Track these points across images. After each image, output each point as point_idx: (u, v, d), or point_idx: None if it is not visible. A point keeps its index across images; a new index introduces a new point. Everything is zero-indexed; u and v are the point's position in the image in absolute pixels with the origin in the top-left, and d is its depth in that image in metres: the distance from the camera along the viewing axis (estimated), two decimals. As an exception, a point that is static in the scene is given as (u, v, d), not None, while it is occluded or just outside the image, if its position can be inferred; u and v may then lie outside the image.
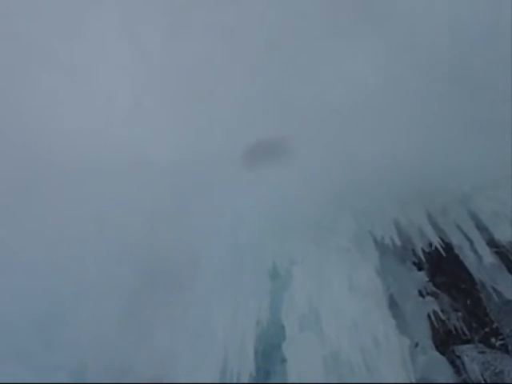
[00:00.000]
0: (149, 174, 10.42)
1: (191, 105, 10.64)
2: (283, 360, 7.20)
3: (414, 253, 8.81)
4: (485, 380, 7.38)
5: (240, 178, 10.58)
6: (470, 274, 8.51)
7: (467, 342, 7.92)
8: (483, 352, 7.74)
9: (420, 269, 8.73)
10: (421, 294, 8.43)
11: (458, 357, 7.71)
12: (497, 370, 7.45)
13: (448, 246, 8.72)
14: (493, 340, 7.95)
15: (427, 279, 8.60)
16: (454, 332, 8.00)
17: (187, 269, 9.03)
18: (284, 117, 9.98)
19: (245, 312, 7.62)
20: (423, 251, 8.75)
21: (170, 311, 8.59)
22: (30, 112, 11.12)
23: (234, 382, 7.08)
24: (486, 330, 8.03)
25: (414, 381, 7.19)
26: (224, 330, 7.44)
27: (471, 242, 8.59)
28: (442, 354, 7.81)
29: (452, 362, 7.69)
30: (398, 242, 8.70)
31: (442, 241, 8.72)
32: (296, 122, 9.87)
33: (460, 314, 8.18)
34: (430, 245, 8.76)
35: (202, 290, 8.32)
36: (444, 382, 7.48)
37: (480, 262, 8.45)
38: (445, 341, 7.94)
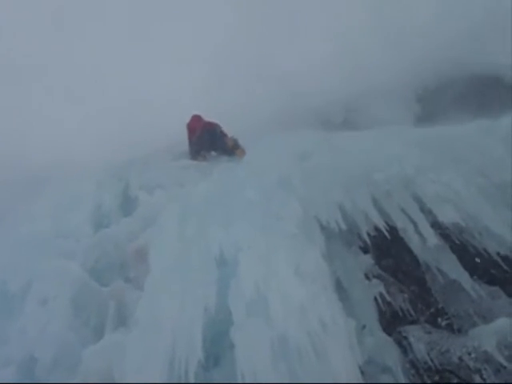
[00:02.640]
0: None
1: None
2: (232, 346, 7.18)
3: (360, 237, 8.89)
4: (431, 359, 7.46)
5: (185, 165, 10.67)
6: (414, 256, 8.62)
7: (413, 322, 8.01)
8: (429, 332, 7.84)
9: (366, 252, 8.81)
10: (367, 277, 8.50)
11: (405, 337, 7.79)
12: (443, 349, 7.55)
13: (393, 229, 8.83)
14: (439, 320, 8.06)
15: (373, 262, 8.68)
16: (400, 313, 8.08)
17: (134, 261, 9.03)
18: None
19: (192, 301, 7.58)
20: (368, 235, 8.84)
21: (117, 304, 8.57)
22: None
23: (183, 370, 7.01)
24: (432, 310, 8.14)
25: (361, 362, 7.25)
26: (172, 320, 7.39)
27: (415, 225, 8.71)
28: (389, 335, 7.88)
29: (399, 343, 7.76)
30: (343, 227, 8.78)
31: (387, 224, 8.83)
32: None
33: (406, 295, 8.27)
34: (375, 228, 8.86)
35: (150, 281, 8.29)
36: (391, 362, 7.52)
37: (424, 243, 8.57)
38: (391, 322, 8.02)
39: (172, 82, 19.06)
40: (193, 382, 6.81)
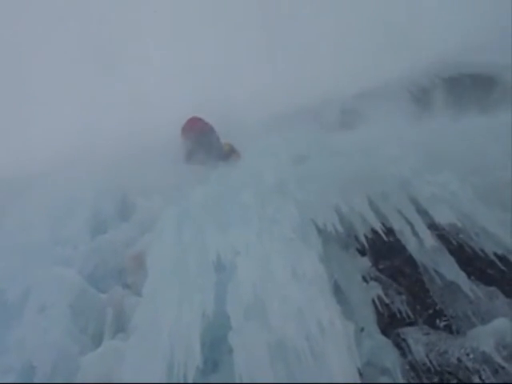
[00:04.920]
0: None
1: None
2: (230, 350, 7.17)
3: (357, 239, 8.88)
4: (430, 360, 7.46)
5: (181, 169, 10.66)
6: (412, 258, 8.61)
7: (412, 324, 7.99)
8: (428, 333, 7.83)
9: (363, 254, 8.80)
10: (365, 280, 8.48)
11: (404, 339, 7.77)
12: (441, 350, 7.53)
13: (390, 231, 8.83)
14: (437, 321, 8.04)
15: (370, 264, 8.67)
16: (398, 315, 8.07)
17: (132, 267, 9.03)
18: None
19: (190, 306, 7.58)
20: (366, 237, 8.83)
21: (116, 310, 8.58)
22: None
23: (181, 375, 7.00)
24: (430, 311, 8.12)
25: (359, 365, 7.24)
26: (170, 326, 7.38)
27: (412, 226, 8.71)
28: (388, 337, 7.87)
29: (397, 345, 7.75)
30: (340, 230, 8.78)
31: (384, 226, 8.83)
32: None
33: (404, 297, 8.26)
34: (372, 230, 8.85)
35: (148, 287, 8.29)
36: (390, 364, 7.52)
37: (421, 245, 8.55)
38: (390, 324, 8.01)
39: (168, 81, 19.03)
40: (191, 387, 6.81)
